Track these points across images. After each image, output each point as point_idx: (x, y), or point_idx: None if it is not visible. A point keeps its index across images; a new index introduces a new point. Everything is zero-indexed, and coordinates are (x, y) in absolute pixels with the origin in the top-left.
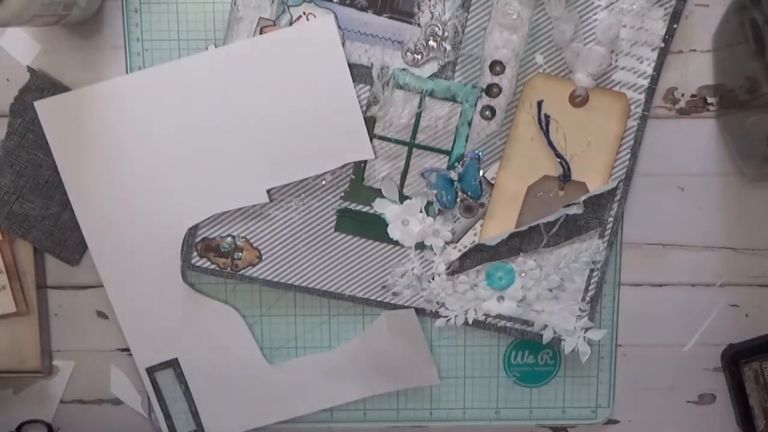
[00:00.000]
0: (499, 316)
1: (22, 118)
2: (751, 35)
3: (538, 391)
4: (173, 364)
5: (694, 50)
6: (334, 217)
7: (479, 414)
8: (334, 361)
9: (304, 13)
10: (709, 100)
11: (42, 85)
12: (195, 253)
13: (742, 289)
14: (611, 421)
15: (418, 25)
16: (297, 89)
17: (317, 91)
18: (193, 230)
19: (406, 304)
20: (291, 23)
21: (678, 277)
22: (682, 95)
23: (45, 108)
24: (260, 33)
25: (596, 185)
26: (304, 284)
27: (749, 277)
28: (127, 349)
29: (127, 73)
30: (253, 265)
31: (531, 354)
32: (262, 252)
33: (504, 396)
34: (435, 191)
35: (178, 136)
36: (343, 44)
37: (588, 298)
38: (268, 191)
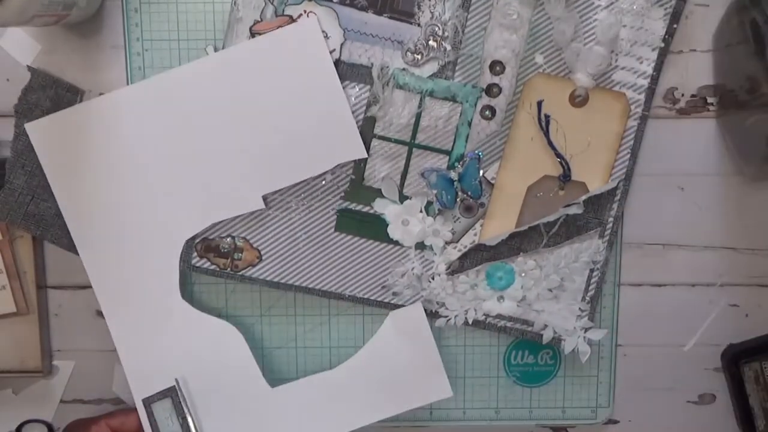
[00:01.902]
0: (499, 316)
1: (27, 119)
2: (751, 35)
3: (538, 391)
4: (171, 393)
5: (694, 50)
6: (334, 217)
7: (479, 414)
8: (338, 381)
9: (305, 11)
10: (709, 100)
11: (44, 83)
12: (195, 254)
13: (742, 289)
14: (611, 421)
15: (418, 24)
16: (286, 92)
17: (306, 93)
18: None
19: (406, 304)
20: (277, 15)
21: (678, 277)
22: (682, 95)
23: (36, 129)
24: (249, 32)
25: (596, 185)
26: (304, 284)
27: (749, 277)
28: None
29: (126, 73)
30: (253, 266)
31: (531, 354)
32: (262, 252)
33: (504, 396)
34: (435, 191)
35: (170, 148)
36: (343, 44)
37: (588, 298)
38: (264, 196)
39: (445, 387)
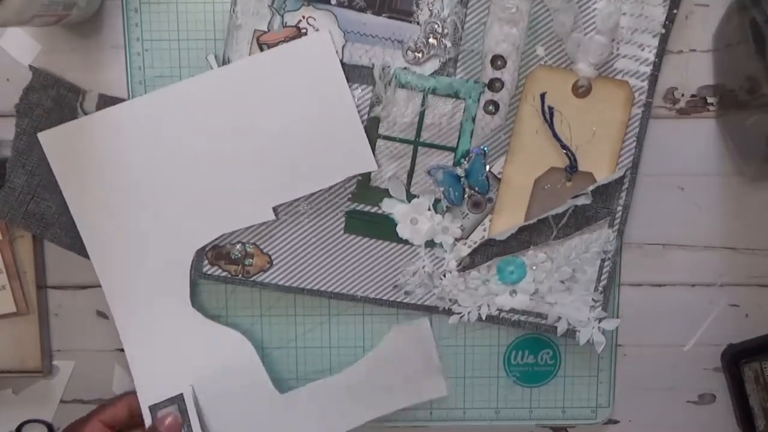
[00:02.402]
0: (513, 311)
1: (29, 118)
2: (751, 35)
3: (538, 391)
4: (178, 400)
5: (694, 50)
6: (343, 219)
7: (479, 414)
8: (341, 385)
9: (304, 17)
10: (709, 100)
11: (45, 82)
12: (206, 261)
13: (742, 289)
14: (611, 421)
15: (418, 23)
16: (297, 105)
17: (317, 106)
18: None
19: (419, 303)
20: (284, 26)
21: (678, 277)
22: (682, 95)
23: (49, 138)
24: (256, 42)
25: (603, 174)
26: (315, 287)
27: (749, 277)
28: None
29: (126, 72)
30: (264, 271)
31: (531, 354)
32: (273, 257)
33: (504, 396)
34: (442, 188)
35: (182, 160)
36: (344, 46)
37: (600, 288)
38: (274, 208)
39: (441, 387)
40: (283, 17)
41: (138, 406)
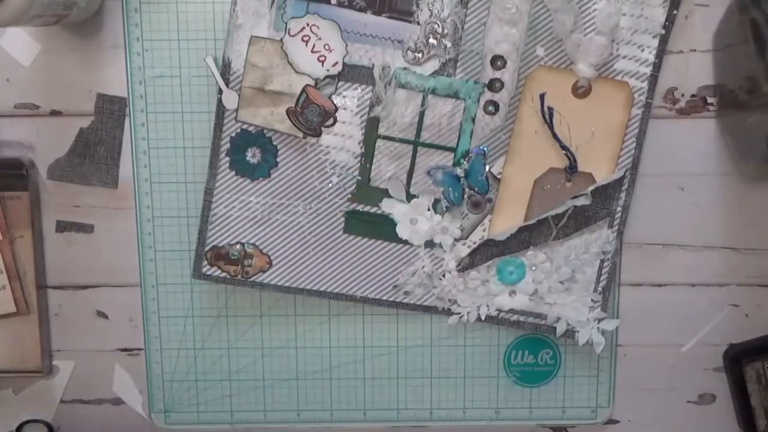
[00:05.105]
0: (512, 311)
1: None
2: (751, 35)
3: (538, 391)
4: None
5: (694, 50)
6: (342, 219)
7: (479, 414)
8: None
9: (308, 25)
10: (709, 100)
11: None
12: (205, 262)
13: (742, 289)
14: (611, 421)
15: (417, 23)
16: None
17: None
18: (202, 239)
19: (418, 303)
20: (287, 33)
21: (678, 277)
22: (682, 95)
23: None
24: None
25: (603, 175)
26: (315, 288)
27: (749, 277)
28: (127, 349)
29: (127, 73)
30: (264, 272)
31: (531, 354)
32: (272, 258)
33: (504, 396)
34: (442, 189)
35: None
36: (345, 47)
37: (600, 289)
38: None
39: None
40: (286, 24)
41: None
